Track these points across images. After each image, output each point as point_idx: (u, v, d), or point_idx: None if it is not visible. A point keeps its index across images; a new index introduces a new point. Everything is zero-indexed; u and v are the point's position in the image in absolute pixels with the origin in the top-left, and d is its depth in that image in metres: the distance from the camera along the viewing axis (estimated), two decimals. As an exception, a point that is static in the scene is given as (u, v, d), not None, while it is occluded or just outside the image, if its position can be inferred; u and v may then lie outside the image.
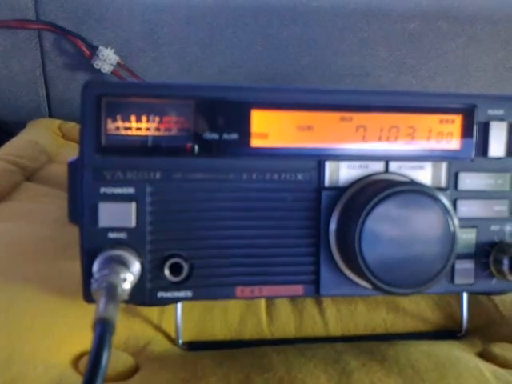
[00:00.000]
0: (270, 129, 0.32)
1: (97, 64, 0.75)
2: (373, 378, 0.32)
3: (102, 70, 0.75)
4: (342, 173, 0.33)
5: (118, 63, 0.75)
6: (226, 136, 0.32)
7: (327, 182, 0.33)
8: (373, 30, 0.81)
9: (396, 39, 0.82)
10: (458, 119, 0.34)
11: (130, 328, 0.36)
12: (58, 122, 0.76)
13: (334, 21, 0.80)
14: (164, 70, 0.79)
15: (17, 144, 0.64)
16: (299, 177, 0.33)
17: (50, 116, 0.79)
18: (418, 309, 0.40)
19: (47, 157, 0.64)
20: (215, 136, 0.32)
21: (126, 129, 0.31)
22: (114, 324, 0.23)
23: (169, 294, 0.32)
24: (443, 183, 0.34)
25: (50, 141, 0.68)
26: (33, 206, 0.51)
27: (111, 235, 0.31)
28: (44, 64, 0.77)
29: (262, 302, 0.39)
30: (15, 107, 0.78)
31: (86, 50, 0.75)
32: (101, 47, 0.75)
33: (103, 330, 0.23)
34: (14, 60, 0.76)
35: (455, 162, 0.34)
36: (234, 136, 0.32)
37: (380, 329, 0.39)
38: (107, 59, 0.74)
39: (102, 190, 0.31)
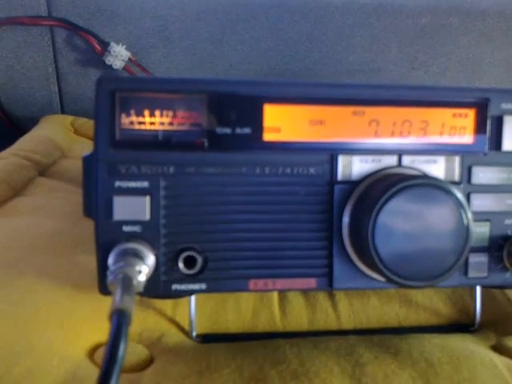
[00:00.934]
0: (283, 123, 0.32)
1: (108, 60, 0.75)
2: (386, 371, 0.32)
3: (114, 66, 0.75)
4: (355, 167, 0.33)
5: (130, 59, 0.76)
6: (238, 130, 0.32)
7: (340, 175, 0.33)
8: (384, 26, 0.81)
9: (407, 35, 0.82)
10: (471, 113, 0.34)
11: (144, 320, 0.36)
12: (70, 117, 0.76)
13: (345, 16, 0.80)
14: (175, 66, 0.79)
15: (30, 140, 0.65)
16: (312, 171, 0.33)
17: (62, 112, 0.80)
18: (431, 302, 0.40)
19: (60, 152, 0.65)
20: (228, 130, 0.32)
21: (140, 123, 0.31)
22: (131, 315, 0.24)
23: (183, 287, 0.32)
24: (456, 177, 0.34)
25: (62, 136, 0.69)
26: (46, 200, 0.51)
27: (126, 228, 0.31)
28: (56, 60, 0.78)
29: (275, 295, 0.39)
30: (28, 103, 0.79)
31: (97, 46, 0.76)
32: (112, 43, 0.75)
33: (120, 320, 0.23)
34: (26, 56, 0.77)
35: (468, 156, 0.34)
36: (247, 130, 0.32)
37: (393, 322, 0.39)
38: (119, 55, 0.75)
39: (117, 183, 0.31)
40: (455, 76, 0.84)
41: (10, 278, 0.36)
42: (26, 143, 0.63)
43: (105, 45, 0.75)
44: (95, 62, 0.77)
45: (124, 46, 0.75)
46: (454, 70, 0.84)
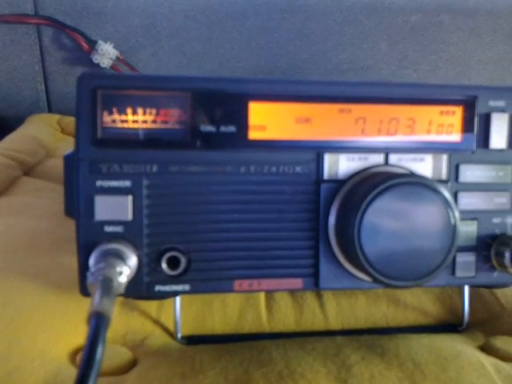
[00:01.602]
0: (268, 121, 0.32)
1: (96, 58, 0.74)
2: (373, 372, 0.31)
3: (101, 65, 0.74)
4: (341, 165, 0.33)
5: (118, 58, 0.75)
6: (223, 128, 0.32)
7: (326, 174, 0.33)
8: (373, 24, 0.81)
9: (397, 32, 0.82)
10: (458, 111, 0.34)
11: (128, 322, 0.36)
12: (56, 116, 0.76)
13: (335, 14, 0.80)
14: (164, 65, 0.78)
15: (15, 139, 0.64)
16: (298, 169, 0.33)
17: (49, 111, 0.79)
18: (419, 302, 0.40)
19: (46, 151, 0.64)
20: (212, 128, 0.32)
21: (122, 121, 0.31)
22: (109, 317, 0.23)
23: (166, 288, 0.32)
24: (444, 175, 0.34)
25: (48, 135, 0.68)
26: (31, 200, 0.51)
27: (107, 229, 0.31)
28: (43, 59, 0.77)
29: (262, 295, 0.39)
30: (14, 102, 0.78)
31: (85, 44, 0.75)
32: (100, 41, 0.74)
33: (98, 323, 0.22)
34: (12, 55, 0.76)
35: (456, 154, 0.34)
36: (232, 128, 0.32)
37: (380, 322, 0.38)
38: (106, 54, 0.74)
39: (98, 183, 0.31)
40: (445, 74, 0.84)
41: (-8, 280, 0.35)
42: (11, 142, 0.62)
43: (92, 43, 0.75)
44: (82, 60, 0.76)
45: (112, 45, 0.75)
46: (443, 67, 0.84)
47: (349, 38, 0.81)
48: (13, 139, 0.64)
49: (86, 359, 0.21)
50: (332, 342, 0.35)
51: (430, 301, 0.40)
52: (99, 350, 0.22)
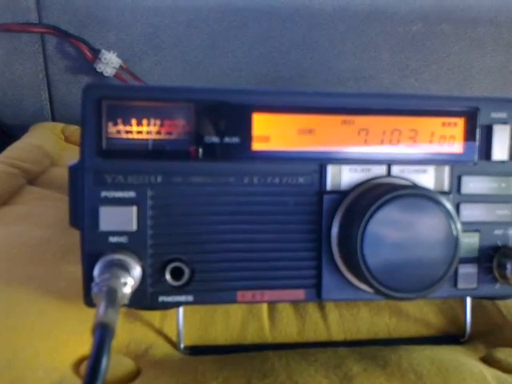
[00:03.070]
0: (272, 132, 0.32)
1: (99, 67, 0.75)
2: (375, 383, 0.31)
3: (105, 74, 0.75)
4: (344, 176, 0.33)
5: (121, 66, 0.75)
6: (227, 139, 0.32)
7: (329, 185, 0.33)
8: (375, 33, 0.81)
9: (398, 42, 0.82)
10: (460, 122, 0.34)
11: (131, 332, 0.36)
12: (60, 125, 0.76)
13: (336, 23, 0.80)
14: (166, 73, 0.79)
15: (19, 147, 0.64)
16: (301, 180, 0.33)
17: (53, 119, 0.79)
18: (421, 313, 0.40)
19: (50, 160, 0.64)
20: (216, 139, 0.32)
21: (127, 132, 0.31)
22: (114, 329, 0.23)
23: (170, 299, 0.32)
24: (446, 187, 0.34)
25: (52, 144, 0.68)
26: (35, 209, 0.51)
27: (112, 239, 0.31)
28: (47, 67, 0.77)
29: (264, 306, 0.39)
30: (18, 110, 0.78)
31: (88, 53, 0.75)
32: (103, 50, 0.75)
33: (103, 334, 0.23)
34: (16, 64, 0.76)
35: (458, 166, 0.34)
36: (235, 139, 0.32)
37: (382, 333, 0.39)
38: (110, 62, 0.74)
39: (103, 193, 0.31)
40: (446, 83, 0.84)
41: (-4, 289, 0.35)
42: (14, 151, 0.62)
43: (96, 52, 0.75)
44: (86, 69, 0.77)
45: (115, 54, 0.75)
46: (445, 77, 0.84)
47: (350, 48, 0.81)
48: (17, 148, 0.64)
49: (91, 370, 0.21)
50: (334, 353, 0.35)
51: (431, 312, 0.40)
52: (104, 361, 0.22)
